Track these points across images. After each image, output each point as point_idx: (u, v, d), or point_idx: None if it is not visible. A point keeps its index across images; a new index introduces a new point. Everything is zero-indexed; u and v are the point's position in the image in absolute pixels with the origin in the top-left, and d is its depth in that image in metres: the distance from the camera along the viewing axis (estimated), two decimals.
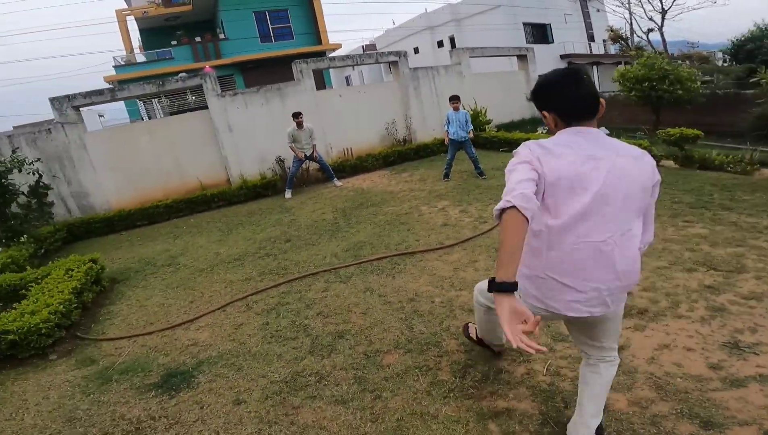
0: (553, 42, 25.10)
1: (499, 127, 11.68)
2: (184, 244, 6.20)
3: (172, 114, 13.84)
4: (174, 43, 18.43)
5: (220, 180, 9.15)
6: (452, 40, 26.28)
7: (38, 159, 7.30)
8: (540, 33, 24.97)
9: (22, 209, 6.99)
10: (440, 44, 27.38)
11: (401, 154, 10.00)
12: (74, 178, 8.28)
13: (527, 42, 22.82)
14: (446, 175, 7.68)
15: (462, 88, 11.62)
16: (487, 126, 11.24)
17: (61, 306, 3.63)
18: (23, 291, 4.11)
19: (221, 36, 18.77)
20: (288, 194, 8.29)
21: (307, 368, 2.74)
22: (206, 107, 9.11)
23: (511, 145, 9.56)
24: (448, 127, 7.52)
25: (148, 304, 4.23)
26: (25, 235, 6.69)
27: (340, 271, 4.25)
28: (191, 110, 12.09)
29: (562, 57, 24.67)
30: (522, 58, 13.99)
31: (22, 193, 7.02)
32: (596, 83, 27.26)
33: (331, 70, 20.15)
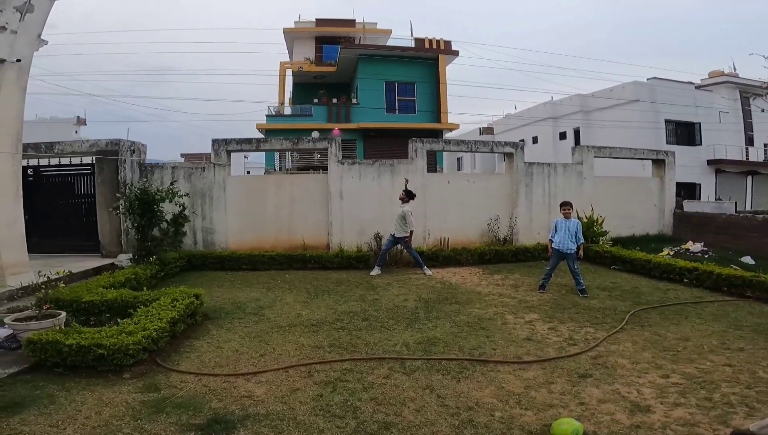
0: (701, 144, 22.19)
1: (616, 241, 10.69)
2: (274, 298, 6.60)
3: (299, 169, 15.65)
4: (315, 101, 20.76)
5: (321, 243, 9.78)
6: (577, 133, 24.84)
7: (186, 194, 8.57)
8: (685, 133, 22.19)
9: (160, 234, 8.22)
10: (563, 136, 26.12)
11: (498, 254, 9.71)
12: (208, 215, 9.59)
13: (668, 142, 20.66)
14: (542, 286, 7.17)
15: (581, 190, 11.16)
16: (601, 238, 10.43)
17: (155, 333, 4.04)
18: (131, 310, 4.69)
19: (354, 101, 20.73)
20: (375, 271, 8.45)
21: None
22: (327, 169, 9.99)
23: (625, 264, 8.68)
24: (553, 235, 7.17)
25: (224, 347, 4.49)
26: (154, 257, 7.80)
27: (407, 363, 4.10)
28: (315, 169, 13.43)
29: (710, 162, 21.89)
30: (658, 163, 12.78)
31: (166, 220, 8.29)
32: (749, 197, 23.59)
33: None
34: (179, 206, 8.34)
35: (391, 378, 3.76)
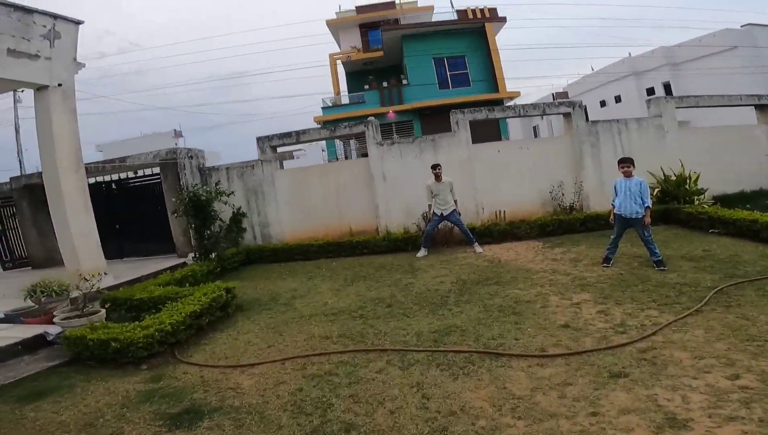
0: None
1: (720, 200, 8.96)
2: (310, 287, 6.69)
3: (363, 155, 15.66)
4: (366, 87, 20.66)
5: (370, 228, 9.71)
6: (667, 87, 22.71)
7: (232, 192, 9.04)
8: None
9: (218, 231, 8.81)
10: (650, 92, 23.81)
11: (563, 224, 8.71)
12: (262, 210, 10.07)
13: None
14: (607, 260, 6.22)
15: (663, 145, 9.62)
16: (696, 197, 8.82)
17: (170, 326, 4.29)
18: (161, 305, 5.05)
19: (404, 82, 20.19)
20: (421, 252, 8.15)
21: None
22: None
23: (726, 226, 7.15)
24: (615, 199, 6.20)
25: (240, 338, 4.64)
26: (214, 253, 8.39)
27: (408, 355, 3.83)
28: None
29: None
30: (763, 108, 10.77)
31: (220, 218, 8.85)
32: None
33: (513, 120, 19.59)
34: (229, 205, 8.81)
35: (383, 372, 3.54)
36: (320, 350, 4.09)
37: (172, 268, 8.53)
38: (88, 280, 5.10)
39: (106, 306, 5.80)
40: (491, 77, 19.14)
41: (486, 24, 19.11)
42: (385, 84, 20.23)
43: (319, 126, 15.00)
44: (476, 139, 9.90)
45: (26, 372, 4.00)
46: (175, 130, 38.30)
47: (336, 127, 10.52)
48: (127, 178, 10.67)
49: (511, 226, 8.73)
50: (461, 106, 12.23)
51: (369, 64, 21.94)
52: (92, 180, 11.25)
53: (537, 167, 9.70)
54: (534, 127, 30.97)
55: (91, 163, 10.66)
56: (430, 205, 8.14)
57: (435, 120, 16.87)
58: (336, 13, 23.60)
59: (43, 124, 6.95)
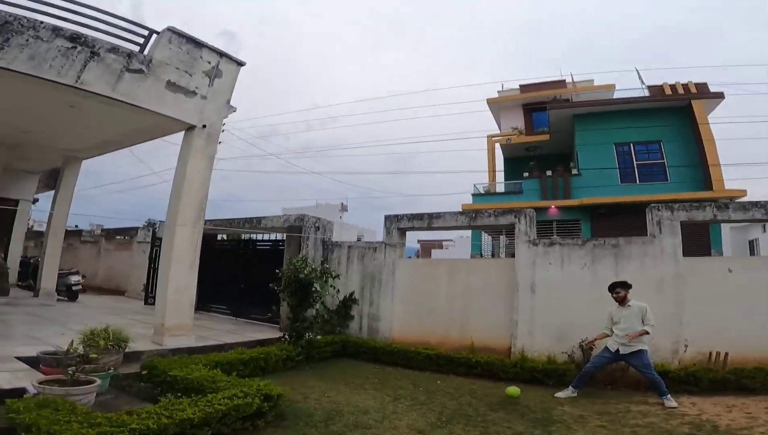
0: None
1: None
2: (386, 415, 4.69)
3: (512, 255, 13.06)
4: (526, 175, 17.29)
5: (499, 346, 7.24)
6: None
7: (337, 275, 7.99)
8: None
9: (317, 316, 7.65)
10: None
11: None
12: (375, 300, 8.60)
13: None
14: None
15: None
16: None
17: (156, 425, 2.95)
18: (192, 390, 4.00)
19: (573, 171, 16.45)
20: (567, 392, 5.63)
21: None
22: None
23: None
24: None
25: None
26: (305, 338, 7.16)
27: None
28: None
29: None
30: None
31: (322, 302, 7.72)
32: None
33: (725, 230, 14.22)
34: (335, 288, 7.72)
35: None
36: None
37: (264, 342, 7.57)
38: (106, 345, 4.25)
39: (143, 373, 4.91)
40: (699, 170, 14.35)
41: (692, 101, 14.74)
42: (549, 173, 16.78)
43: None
44: None
45: None
46: (342, 203, 40.14)
47: (477, 214, 8.72)
48: (261, 240, 10.73)
49: (736, 375, 5.63)
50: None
51: (531, 149, 18.89)
52: (228, 237, 11.79)
53: None
54: (751, 242, 22.82)
55: (224, 220, 11.18)
56: (603, 335, 5.79)
57: (612, 223, 13.07)
58: (498, 91, 21.33)
59: (180, 168, 6.78)
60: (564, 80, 19.66)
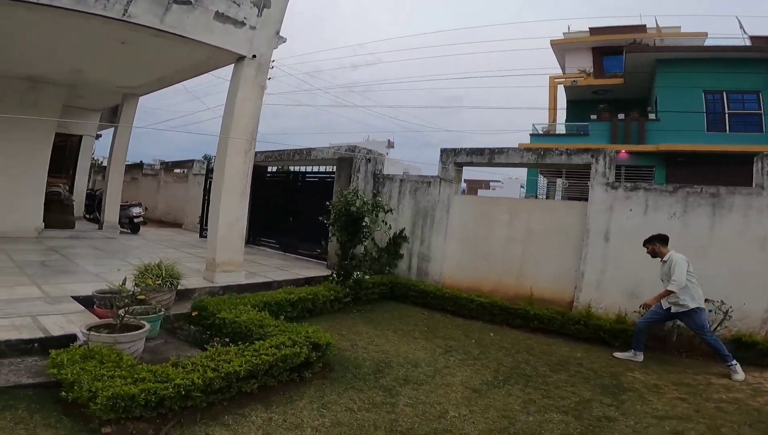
0: None
1: None
2: (439, 368, 4.44)
3: (570, 199, 12.11)
4: (593, 117, 16.17)
5: (560, 298, 6.71)
6: None
7: (391, 209, 7.59)
8: None
9: (366, 254, 7.40)
10: None
11: None
12: (427, 239, 8.18)
13: None
14: None
15: None
16: None
17: (173, 389, 2.79)
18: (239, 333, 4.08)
19: (650, 116, 15.10)
20: (631, 354, 5.21)
21: None
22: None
23: None
24: None
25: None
26: (353, 277, 6.98)
27: None
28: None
29: None
30: None
31: (372, 238, 7.40)
32: None
33: None
34: (387, 224, 7.32)
35: None
36: None
37: (311, 280, 7.53)
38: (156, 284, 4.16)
39: (193, 314, 4.90)
40: None
41: None
42: (621, 116, 15.56)
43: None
44: None
45: None
46: (389, 139, 40.29)
47: (546, 152, 7.81)
48: (311, 172, 10.42)
49: None
50: (741, 158, 7.85)
51: (600, 92, 17.65)
52: (278, 169, 11.58)
53: None
54: None
55: (274, 151, 10.92)
56: (665, 293, 5.04)
57: (693, 171, 11.66)
58: (564, 33, 19.96)
59: (230, 98, 6.64)
60: (644, 25, 17.84)
